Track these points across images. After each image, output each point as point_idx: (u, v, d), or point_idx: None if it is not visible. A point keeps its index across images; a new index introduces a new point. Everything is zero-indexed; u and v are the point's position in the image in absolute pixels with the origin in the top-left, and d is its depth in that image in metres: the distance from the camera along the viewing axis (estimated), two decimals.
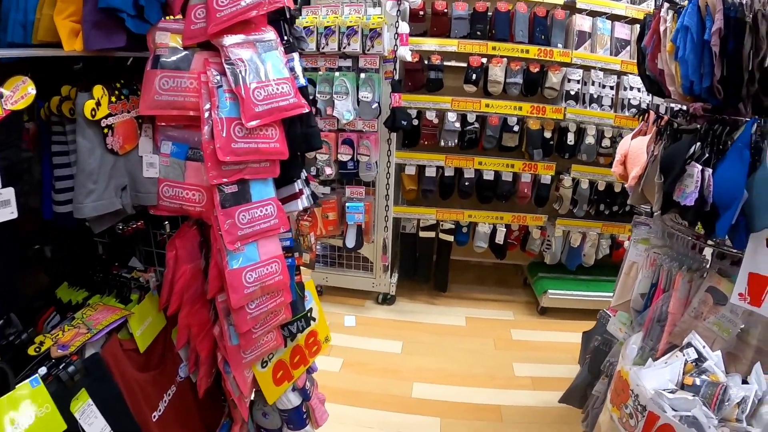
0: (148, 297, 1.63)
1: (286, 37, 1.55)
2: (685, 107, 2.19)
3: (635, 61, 3.77)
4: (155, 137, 1.48)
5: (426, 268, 4.15)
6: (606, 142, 3.77)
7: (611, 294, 3.77)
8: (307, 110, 1.50)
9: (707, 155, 1.84)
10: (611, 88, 3.78)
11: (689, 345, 1.76)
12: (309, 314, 1.81)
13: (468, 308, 4.02)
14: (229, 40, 1.36)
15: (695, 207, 1.80)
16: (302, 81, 1.55)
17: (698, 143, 1.88)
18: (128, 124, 1.41)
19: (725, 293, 1.89)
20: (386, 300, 3.99)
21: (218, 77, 1.36)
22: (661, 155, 2.03)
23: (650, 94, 2.75)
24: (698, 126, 1.95)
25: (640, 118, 2.55)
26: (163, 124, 1.46)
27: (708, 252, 2.17)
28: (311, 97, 3.55)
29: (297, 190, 1.64)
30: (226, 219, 1.38)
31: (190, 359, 1.70)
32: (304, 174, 1.71)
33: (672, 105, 2.43)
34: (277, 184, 1.53)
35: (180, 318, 1.59)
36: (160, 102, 1.39)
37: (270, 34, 1.46)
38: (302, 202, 1.65)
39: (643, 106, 3.76)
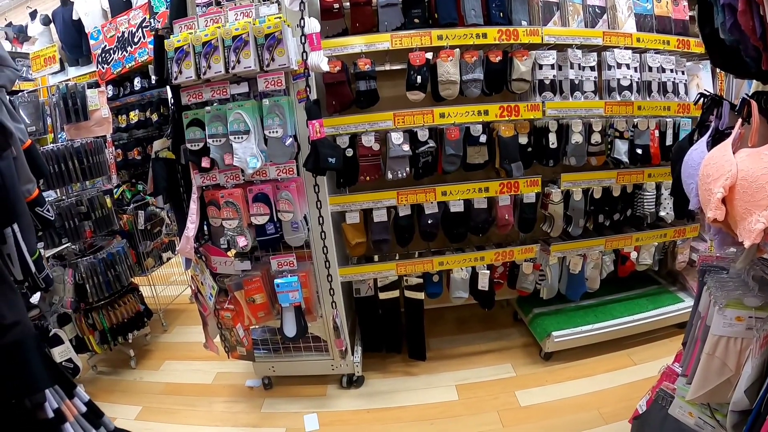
0: None
1: None
2: None
3: (618, 30, 3.00)
4: None
5: (394, 336, 3.31)
6: (596, 137, 2.97)
7: (626, 320, 3.15)
8: None
9: None
10: (592, 69, 2.95)
11: None
12: None
13: (456, 371, 3.23)
14: None
15: None
16: None
17: None
18: None
19: None
20: (353, 383, 3.13)
21: None
22: None
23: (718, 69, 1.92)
24: None
25: (714, 106, 1.74)
26: None
27: None
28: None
29: None
30: None
31: None
32: None
33: None
34: None
35: None
36: None
37: None
38: None
39: (632, 82, 2.95)
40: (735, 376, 1.69)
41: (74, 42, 4.94)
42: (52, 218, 2.40)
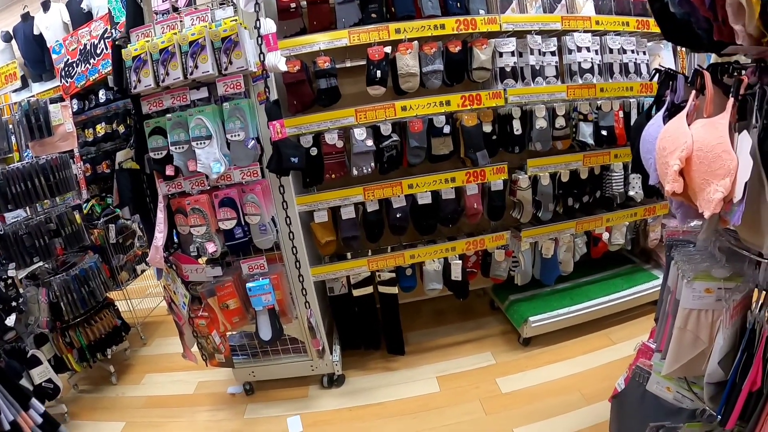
0: None
1: None
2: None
3: (576, 14, 2.99)
4: None
5: (372, 332, 3.28)
6: (560, 122, 2.97)
7: (602, 300, 3.15)
8: None
9: None
10: (552, 54, 2.94)
11: None
12: None
13: (436, 363, 3.21)
14: None
15: None
16: None
17: None
18: None
19: None
20: (334, 382, 3.09)
21: None
22: None
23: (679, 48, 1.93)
24: None
25: (669, 81, 1.77)
26: None
27: None
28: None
29: None
30: None
31: None
32: None
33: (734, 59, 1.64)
34: None
35: None
36: None
37: None
38: None
39: (593, 65, 2.96)
40: (708, 348, 1.68)
41: (36, 57, 4.82)
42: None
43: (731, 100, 1.42)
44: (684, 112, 1.56)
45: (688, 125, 1.49)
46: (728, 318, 1.61)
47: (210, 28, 2.39)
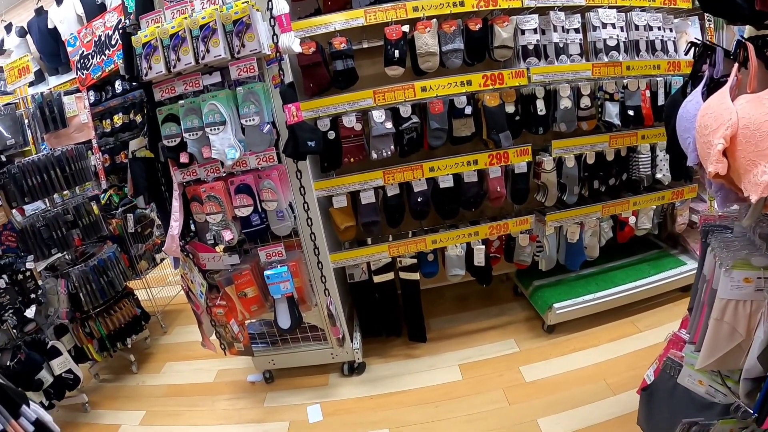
0: None
1: None
2: None
3: None
4: None
5: (393, 319, 3.19)
6: (585, 101, 2.83)
7: (628, 286, 3.02)
8: None
9: None
10: (576, 31, 2.80)
11: None
12: None
13: (459, 350, 3.12)
14: None
15: None
16: None
17: None
18: None
19: None
20: (354, 370, 3.03)
21: None
22: None
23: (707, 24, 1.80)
24: None
25: (706, 55, 1.63)
26: None
27: None
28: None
29: None
30: None
31: None
32: None
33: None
34: None
35: None
36: None
37: None
38: None
39: (619, 42, 2.80)
40: (746, 341, 1.55)
41: (52, 51, 4.78)
42: None
43: None
44: (726, 87, 1.41)
45: (731, 101, 1.37)
46: None
47: (221, 11, 2.29)
